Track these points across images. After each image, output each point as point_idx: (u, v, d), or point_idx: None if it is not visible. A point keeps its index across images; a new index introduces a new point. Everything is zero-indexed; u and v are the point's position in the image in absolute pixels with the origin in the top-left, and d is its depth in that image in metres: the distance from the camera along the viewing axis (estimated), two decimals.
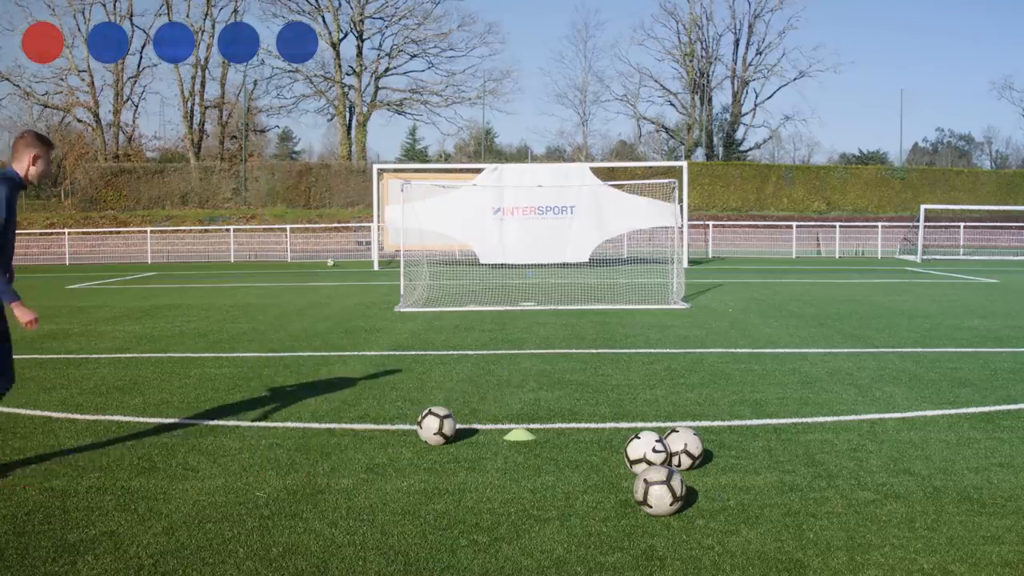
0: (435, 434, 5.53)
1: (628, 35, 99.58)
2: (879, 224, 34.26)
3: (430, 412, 5.58)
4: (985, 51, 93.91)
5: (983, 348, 9.40)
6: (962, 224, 35.40)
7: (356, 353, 9.31)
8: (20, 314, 4.82)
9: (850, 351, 9.19)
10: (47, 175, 5.10)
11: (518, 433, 5.72)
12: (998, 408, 6.52)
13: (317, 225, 34.97)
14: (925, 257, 30.21)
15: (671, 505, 4.22)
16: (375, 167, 27.38)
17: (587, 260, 20.33)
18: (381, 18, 46.68)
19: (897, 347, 9.46)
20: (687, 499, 4.37)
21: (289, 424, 6.16)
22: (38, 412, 6.60)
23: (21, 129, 4.91)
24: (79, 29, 42.79)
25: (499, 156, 62.30)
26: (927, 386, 7.31)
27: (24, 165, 4.95)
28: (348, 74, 46.92)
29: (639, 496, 4.27)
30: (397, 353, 9.29)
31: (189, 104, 44.73)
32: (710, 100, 51.32)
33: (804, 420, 6.17)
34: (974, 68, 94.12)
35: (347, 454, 5.38)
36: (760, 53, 50.43)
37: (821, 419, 6.20)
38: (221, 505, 4.47)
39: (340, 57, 46.22)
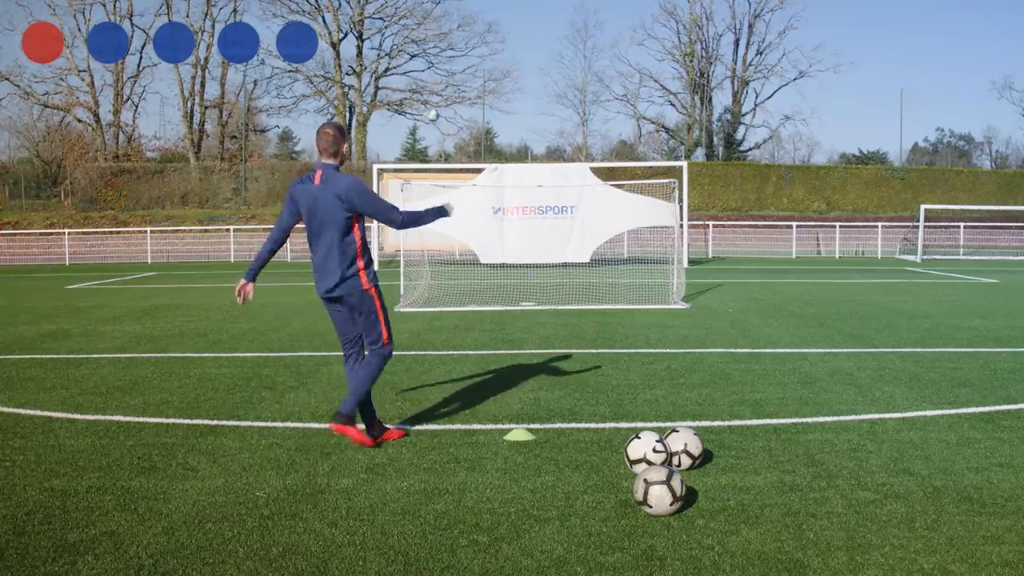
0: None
1: (628, 35, 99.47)
2: (879, 224, 34.26)
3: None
4: (985, 51, 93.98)
5: (983, 348, 9.40)
6: (962, 224, 35.39)
7: None
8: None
9: (850, 351, 9.19)
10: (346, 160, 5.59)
11: (518, 433, 5.72)
12: (998, 408, 6.53)
13: None
14: (925, 257, 30.21)
15: (671, 505, 4.22)
16: (375, 167, 27.37)
17: (588, 260, 20.34)
18: (381, 18, 46.69)
19: (897, 347, 9.46)
20: (687, 499, 4.37)
21: (289, 424, 6.16)
22: (38, 412, 6.60)
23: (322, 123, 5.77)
24: (79, 29, 42.83)
25: (499, 156, 62.28)
26: (927, 386, 7.31)
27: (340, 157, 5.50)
28: (348, 74, 46.93)
29: (639, 496, 4.27)
30: (397, 353, 9.28)
31: (189, 104, 44.72)
32: (710, 100, 51.33)
33: (804, 420, 6.17)
34: (974, 68, 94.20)
35: (347, 454, 5.38)
36: (760, 53, 50.44)
37: (821, 419, 6.20)
38: (221, 505, 4.47)
39: (340, 57, 46.21)
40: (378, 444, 5.56)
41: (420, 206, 6.53)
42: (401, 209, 5.61)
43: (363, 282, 5.50)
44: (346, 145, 5.52)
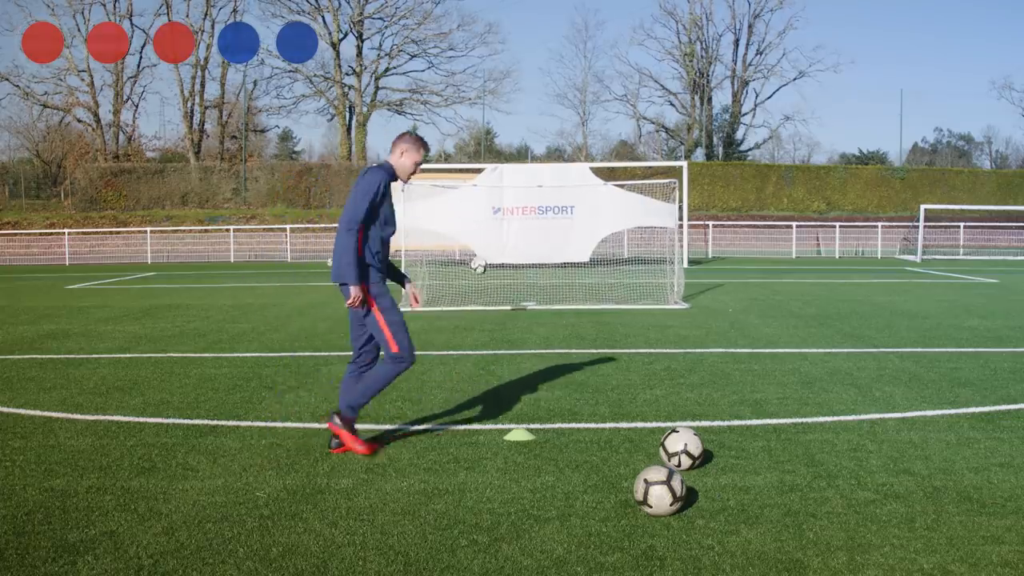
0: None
1: (628, 35, 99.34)
2: (879, 224, 34.27)
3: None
4: (985, 51, 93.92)
5: (983, 348, 9.40)
6: (962, 224, 35.40)
7: None
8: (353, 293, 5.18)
9: (850, 351, 9.19)
10: (412, 172, 5.40)
11: (518, 433, 5.72)
12: (998, 408, 6.52)
13: (317, 225, 34.97)
14: (925, 257, 30.21)
15: (671, 505, 4.22)
16: None
17: (587, 260, 20.35)
18: (381, 18, 46.69)
19: (897, 347, 9.46)
20: (687, 499, 4.37)
21: (289, 424, 6.16)
22: (38, 412, 6.60)
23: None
24: (79, 29, 42.84)
25: (499, 156, 62.21)
26: (927, 386, 7.31)
27: (396, 157, 5.34)
28: (348, 74, 46.94)
29: (639, 496, 4.27)
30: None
31: (189, 104, 44.72)
32: (710, 100, 51.32)
33: (804, 420, 6.17)
34: (974, 68, 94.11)
35: (347, 454, 5.38)
36: (760, 53, 50.44)
37: (821, 419, 6.20)
38: (221, 505, 4.47)
39: (340, 57, 46.22)
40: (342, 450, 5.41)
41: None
42: (354, 229, 5.10)
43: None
44: (401, 148, 5.31)
